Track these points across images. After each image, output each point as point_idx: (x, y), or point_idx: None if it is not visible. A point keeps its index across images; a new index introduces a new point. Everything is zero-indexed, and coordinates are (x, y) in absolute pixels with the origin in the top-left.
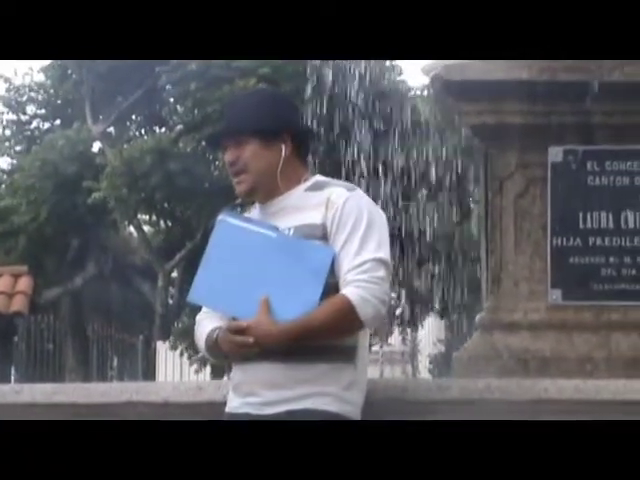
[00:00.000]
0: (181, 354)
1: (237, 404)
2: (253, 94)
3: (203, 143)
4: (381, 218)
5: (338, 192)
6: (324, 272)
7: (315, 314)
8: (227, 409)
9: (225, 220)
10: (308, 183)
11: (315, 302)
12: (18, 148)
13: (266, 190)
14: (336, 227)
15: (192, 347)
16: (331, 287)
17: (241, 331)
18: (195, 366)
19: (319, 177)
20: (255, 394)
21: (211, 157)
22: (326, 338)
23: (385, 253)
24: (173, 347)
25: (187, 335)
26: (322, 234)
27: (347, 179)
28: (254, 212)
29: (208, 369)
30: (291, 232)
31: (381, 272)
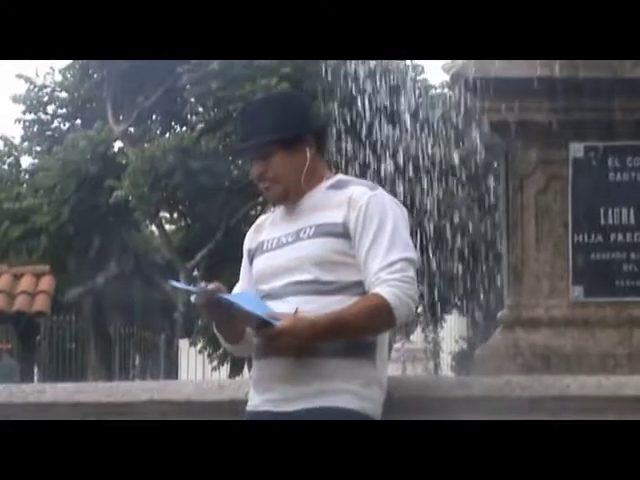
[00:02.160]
0: (200, 351)
1: (257, 402)
2: (269, 102)
3: (224, 142)
4: (404, 216)
5: (360, 191)
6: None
7: (349, 310)
8: (248, 407)
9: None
10: (330, 181)
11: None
12: (39, 148)
13: (294, 193)
14: (361, 227)
15: (212, 343)
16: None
17: (276, 335)
18: (215, 362)
19: (341, 176)
20: (272, 390)
21: (233, 156)
22: (358, 335)
23: (413, 252)
24: (193, 343)
25: (207, 332)
26: (342, 232)
27: (369, 176)
28: (278, 212)
29: (227, 366)
30: (312, 230)
31: (411, 272)
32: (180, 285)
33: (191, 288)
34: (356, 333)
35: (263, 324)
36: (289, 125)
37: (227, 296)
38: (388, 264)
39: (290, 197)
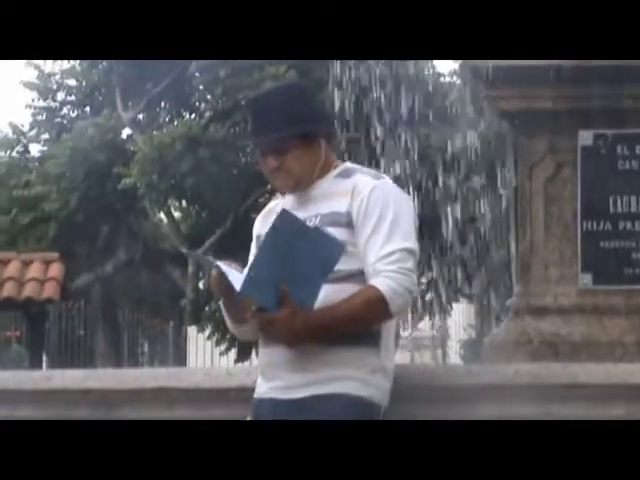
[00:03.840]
0: (209, 337)
1: (264, 389)
2: (282, 95)
3: (233, 130)
4: (408, 206)
5: (365, 180)
6: (332, 265)
7: (344, 304)
8: (255, 395)
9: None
10: (338, 170)
11: (315, 294)
12: (48, 136)
13: (305, 183)
14: (362, 216)
15: (220, 330)
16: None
17: (268, 323)
18: (223, 347)
19: (348, 164)
20: (279, 378)
21: (241, 144)
22: (354, 328)
23: (413, 243)
24: (201, 329)
25: (215, 318)
26: (346, 222)
27: (376, 165)
28: (287, 199)
29: (235, 350)
30: (317, 219)
31: (410, 263)
32: (195, 254)
33: (209, 259)
34: (352, 326)
35: (261, 309)
36: (306, 118)
37: (235, 279)
38: (385, 255)
39: (300, 188)
